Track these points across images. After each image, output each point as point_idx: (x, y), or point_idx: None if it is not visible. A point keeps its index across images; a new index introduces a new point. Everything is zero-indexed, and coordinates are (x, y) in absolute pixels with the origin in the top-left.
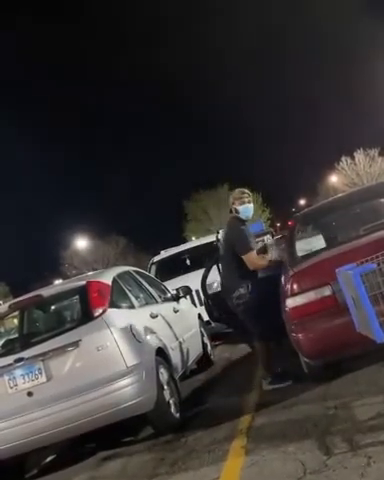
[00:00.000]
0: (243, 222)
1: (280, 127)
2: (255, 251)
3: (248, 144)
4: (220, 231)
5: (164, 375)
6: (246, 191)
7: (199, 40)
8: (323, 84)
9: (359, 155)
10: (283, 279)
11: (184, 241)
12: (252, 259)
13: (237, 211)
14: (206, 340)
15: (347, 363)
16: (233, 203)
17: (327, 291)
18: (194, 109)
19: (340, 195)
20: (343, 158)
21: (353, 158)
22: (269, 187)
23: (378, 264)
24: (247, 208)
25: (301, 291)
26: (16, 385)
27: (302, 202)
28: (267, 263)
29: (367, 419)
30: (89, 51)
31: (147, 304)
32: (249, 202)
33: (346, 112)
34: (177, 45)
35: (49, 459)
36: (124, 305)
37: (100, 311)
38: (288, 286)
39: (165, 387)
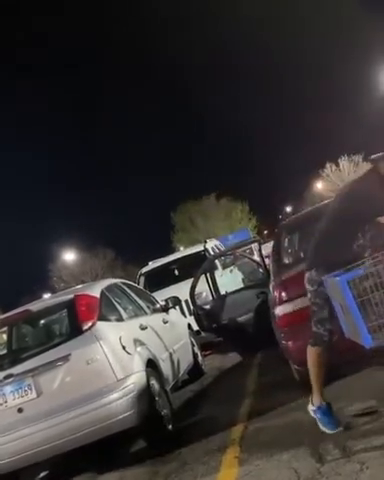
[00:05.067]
0: None
1: (265, 135)
2: None
3: (233, 153)
4: (207, 240)
5: (155, 387)
6: None
7: (183, 57)
8: (306, 94)
9: (343, 162)
10: (271, 287)
11: (172, 251)
12: None
13: None
14: (196, 350)
15: (338, 369)
16: None
17: None
18: (178, 120)
19: (326, 202)
20: (328, 165)
21: (338, 165)
22: (255, 195)
23: (364, 270)
24: None
25: (289, 299)
26: (6, 402)
27: (288, 209)
28: None
29: (360, 425)
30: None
31: (136, 316)
32: None
33: (329, 120)
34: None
35: (42, 475)
36: (113, 318)
37: (89, 324)
38: (276, 294)
39: (157, 399)
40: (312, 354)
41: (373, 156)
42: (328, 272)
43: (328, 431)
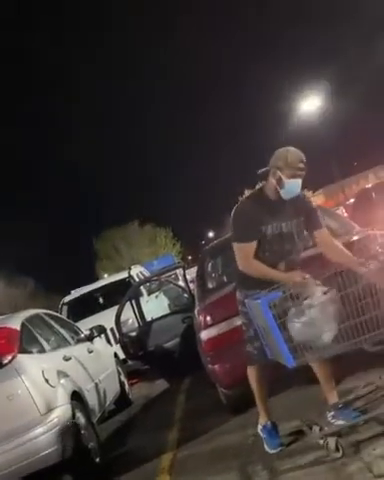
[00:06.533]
0: (263, 198)
1: (185, 161)
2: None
3: (153, 179)
4: (132, 267)
5: (81, 419)
6: (304, 159)
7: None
8: (225, 120)
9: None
10: (196, 312)
11: (96, 279)
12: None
13: (280, 184)
14: (123, 379)
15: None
16: (280, 169)
17: (238, 321)
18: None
19: None
20: (246, 191)
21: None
22: (178, 221)
23: (284, 292)
24: (295, 184)
25: (214, 323)
26: None
27: (211, 235)
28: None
29: (286, 444)
30: None
31: (59, 347)
32: (301, 177)
33: (248, 144)
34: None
35: None
36: (35, 350)
37: (9, 358)
38: (201, 318)
39: (83, 432)
40: (250, 373)
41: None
42: (248, 292)
43: (269, 450)
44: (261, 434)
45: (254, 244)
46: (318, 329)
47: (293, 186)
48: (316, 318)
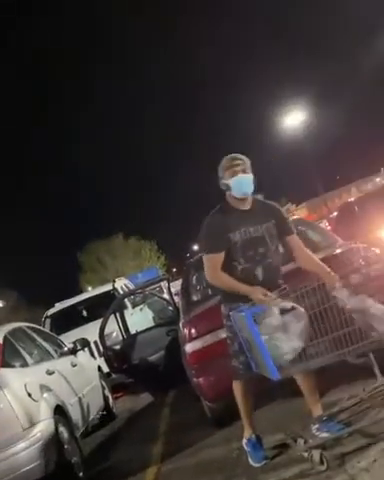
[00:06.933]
0: (228, 208)
1: (169, 174)
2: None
3: (137, 192)
4: (116, 280)
5: (64, 434)
6: (240, 157)
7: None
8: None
9: None
10: (181, 325)
11: (80, 292)
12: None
13: (229, 188)
14: (107, 393)
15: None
16: (222, 178)
17: (223, 333)
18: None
19: None
20: None
21: None
22: (163, 234)
23: (268, 304)
24: (241, 180)
25: (198, 335)
26: None
27: (195, 247)
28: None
29: (270, 458)
30: None
31: (42, 360)
32: (244, 171)
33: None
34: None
35: None
36: (17, 364)
37: None
38: (186, 331)
39: (66, 446)
40: (235, 387)
41: None
42: (232, 306)
43: (253, 464)
44: (245, 448)
45: (222, 255)
46: (279, 347)
47: (239, 182)
48: (278, 337)
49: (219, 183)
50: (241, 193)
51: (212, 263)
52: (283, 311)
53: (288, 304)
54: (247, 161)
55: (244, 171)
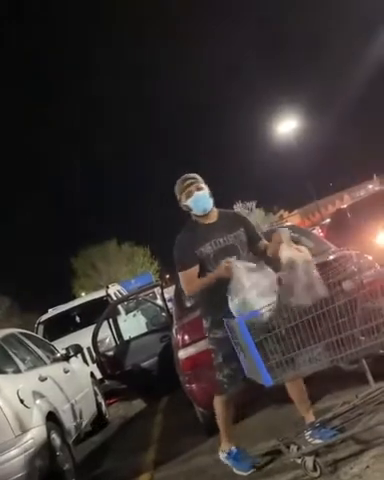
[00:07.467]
0: (194, 225)
1: (163, 181)
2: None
3: (132, 197)
4: (110, 285)
5: (56, 441)
6: (191, 176)
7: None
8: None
9: (238, 208)
10: (174, 331)
11: (74, 298)
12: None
13: (190, 208)
14: (100, 399)
15: (241, 409)
16: (180, 200)
17: None
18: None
19: None
20: None
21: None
22: (156, 240)
23: (261, 310)
24: (197, 198)
25: (192, 342)
26: None
27: None
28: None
29: (263, 464)
30: None
31: (35, 367)
32: (199, 189)
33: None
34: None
35: None
36: (10, 370)
37: None
38: (179, 337)
39: (58, 454)
40: (216, 403)
41: None
42: (214, 318)
43: (242, 474)
44: (226, 462)
45: (195, 269)
46: (255, 305)
47: (196, 201)
48: (251, 298)
49: (180, 205)
50: (202, 210)
51: (186, 278)
52: (250, 270)
53: (252, 264)
54: (198, 178)
55: (198, 188)
